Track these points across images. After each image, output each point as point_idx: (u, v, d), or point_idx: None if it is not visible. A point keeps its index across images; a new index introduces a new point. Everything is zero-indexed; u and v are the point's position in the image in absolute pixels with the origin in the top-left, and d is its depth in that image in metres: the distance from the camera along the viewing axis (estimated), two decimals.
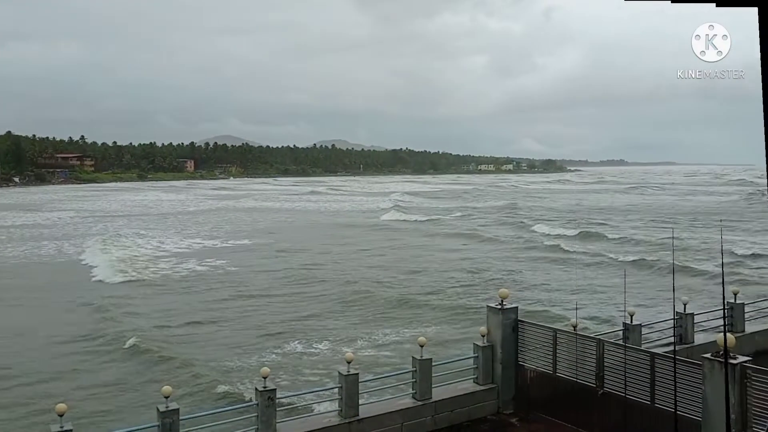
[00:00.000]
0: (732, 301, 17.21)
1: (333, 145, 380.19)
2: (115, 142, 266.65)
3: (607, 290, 32.48)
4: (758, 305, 18.27)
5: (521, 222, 68.45)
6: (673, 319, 16.57)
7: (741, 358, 10.91)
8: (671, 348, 15.41)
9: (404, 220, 74.22)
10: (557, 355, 13.83)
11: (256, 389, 11.74)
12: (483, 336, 14.53)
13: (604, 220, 71.48)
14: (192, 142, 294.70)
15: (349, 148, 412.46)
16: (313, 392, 12.48)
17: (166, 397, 10.67)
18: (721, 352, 11.00)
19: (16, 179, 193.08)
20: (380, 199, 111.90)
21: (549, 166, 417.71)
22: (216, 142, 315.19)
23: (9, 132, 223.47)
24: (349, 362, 12.11)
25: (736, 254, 42.60)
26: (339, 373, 12.19)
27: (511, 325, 14.46)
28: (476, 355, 14.48)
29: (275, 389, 11.68)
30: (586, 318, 25.79)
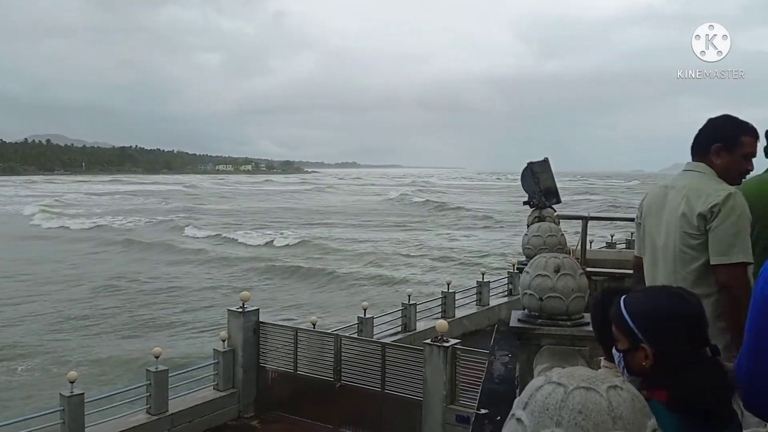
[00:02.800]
0: (446, 290, 19.47)
1: (48, 141, 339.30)
2: None
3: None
4: (465, 293, 20.89)
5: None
6: (400, 309, 18.22)
7: (452, 341, 12.45)
8: (397, 336, 16.95)
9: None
10: (298, 353, 14.26)
11: (60, 394, 11.18)
12: (223, 341, 14.34)
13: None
14: None
15: (69, 143, 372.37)
16: (26, 419, 11.04)
17: (72, 382, 10.80)
18: (438, 337, 12.42)
19: None
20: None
21: (287, 167, 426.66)
22: None
23: None
24: (72, 382, 10.99)
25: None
26: (61, 395, 11.00)
27: (252, 327, 14.51)
28: (216, 360, 14.24)
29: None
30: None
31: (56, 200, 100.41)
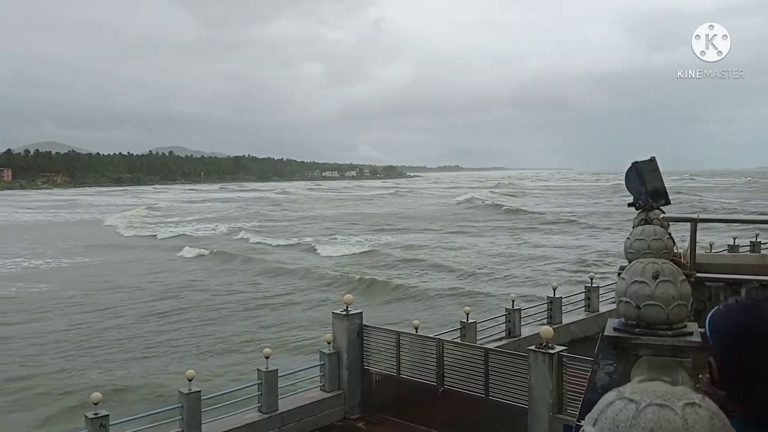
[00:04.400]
0: (551, 296, 18.93)
1: (171, 152, 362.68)
2: None
3: None
4: (571, 299, 20.21)
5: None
6: (504, 315, 17.92)
7: (558, 348, 12.07)
8: (501, 342, 16.68)
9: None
10: (401, 357, 14.37)
11: (179, 391, 11.81)
12: (329, 343, 14.70)
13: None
14: (9, 149, 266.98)
15: (189, 154, 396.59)
16: (148, 415, 11.84)
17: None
18: (543, 344, 12.09)
19: None
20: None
21: (390, 172, 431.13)
22: (37, 149, 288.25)
23: None
24: (190, 380, 11.69)
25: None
26: (179, 392, 11.72)
27: (356, 330, 14.78)
28: (322, 362, 14.62)
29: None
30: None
31: (149, 208, 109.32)
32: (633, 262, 3.40)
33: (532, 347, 12.32)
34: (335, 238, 59.78)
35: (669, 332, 3.18)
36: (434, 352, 13.83)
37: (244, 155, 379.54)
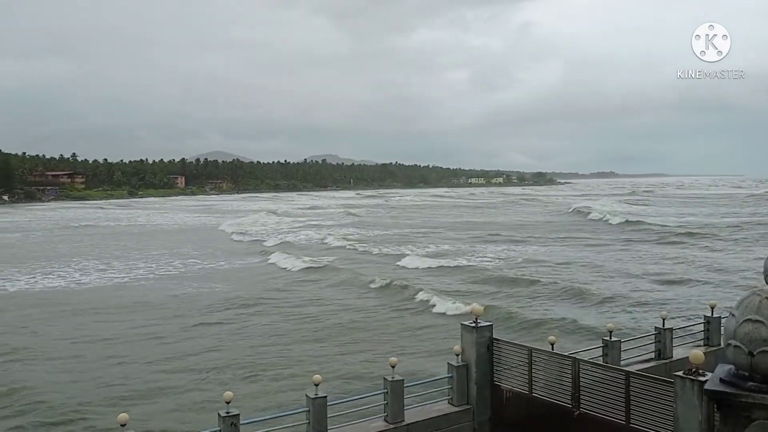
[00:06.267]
0: (709, 314, 17.07)
1: (323, 160, 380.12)
2: (105, 159, 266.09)
3: None
4: None
5: None
6: (653, 334, 16.43)
7: (709, 375, 10.71)
8: (649, 364, 15.26)
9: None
10: (533, 374, 13.58)
11: (306, 396, 12.08)
12: (457, 355, 14.26)
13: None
14: (183, 159, 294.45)
15: (339, 162, 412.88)
16: (276, 417, 12.14)
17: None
18: (692, 369, 10.81)
19: (5, 197, 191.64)
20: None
21: (539, 178, 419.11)
22: (206, 158, 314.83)
23: None
24: (317, 385, 11.82)
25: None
26: (306, 395, 11.90)
27: (486, 343, 14.21)
28: (450, 375, 14.21)
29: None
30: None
31: (271, 212, 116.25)
32: (749, 295, 2.67)
33: (679, 373, 11.06)
34: (428, 247, 59.07)
35: None
36: (569, 371, 12.91)
37: (391, 163, 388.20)
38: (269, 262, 51.60)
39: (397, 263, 48.36)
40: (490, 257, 51.07)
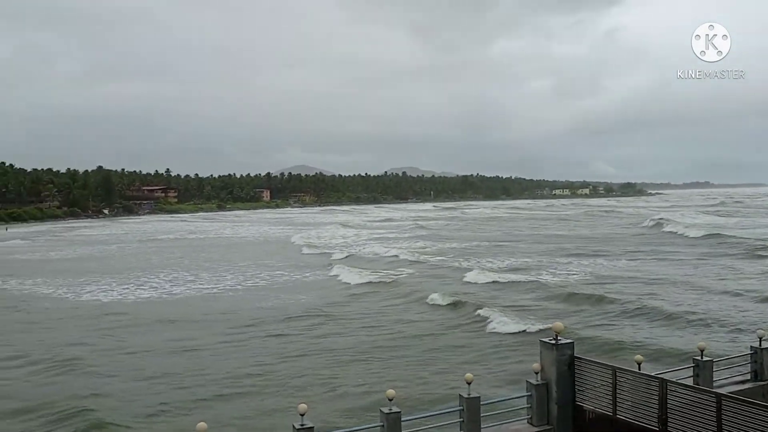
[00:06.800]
0: None
1: (404, 173, 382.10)
2: (196, 174, 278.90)
3: None
4: None
5: None
6: (749, 354, 15.39)
7: None
8: (744, 386, 14.29)
9: None
10: (617, 394, 13.00)
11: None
12: (536, 373, 13.86)
13: None
14: (268, 173, 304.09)
15: (420, 175, 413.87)
16: (433, 415, 12.58)
17: (390, 400, 11.50)
18: None
19: (106, 211, 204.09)
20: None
21: (628, 189, 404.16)
22: (290, 172, 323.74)
23: (100, 167, 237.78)
24: (390, 399, 11.78)
25: None
26: (381, 410, 11.88)
27: (567, 361, 13.72)
28: (529, 393, 13.81)
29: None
30: None
31: (344, 225, 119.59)
32: None
33: None
34: (492, 262, 57.69)
35: None
36: (656, 392, 12.27)
37: (472, 174, 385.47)
38: (333, 275, 51.67)
39: (464, 277, 47.23)
40: (564, 272, 49.18)
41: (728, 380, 14.81)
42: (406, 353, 26.31)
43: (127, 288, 46.98)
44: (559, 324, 14.33)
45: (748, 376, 15.15)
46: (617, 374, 13.10)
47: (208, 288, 46.45)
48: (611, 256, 59.26)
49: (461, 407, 12.76)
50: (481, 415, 12.85)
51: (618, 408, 12.94)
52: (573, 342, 14.02)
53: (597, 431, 13.40)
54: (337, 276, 50.49)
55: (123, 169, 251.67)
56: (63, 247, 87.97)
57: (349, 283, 46.49)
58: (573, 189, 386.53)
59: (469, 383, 12.82)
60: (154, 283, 49.64)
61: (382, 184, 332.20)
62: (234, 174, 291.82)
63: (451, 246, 75.41)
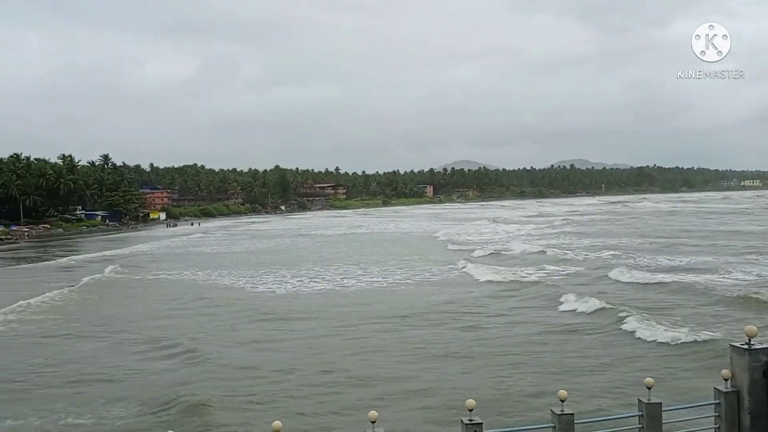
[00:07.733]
0: None
1: (572, 165, 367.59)
2: (363, 171, 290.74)
3: None
4: None
5: None
6: None
7: None
8: None
9: None
10: None
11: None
12: (726, 380, 12.72)
13: None
14: (431, 169, 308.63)
15: (590, 167, 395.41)
16: (519, 429, 12.02)
17: (563, 401, 11.02)
18: None
19: (282, 207, 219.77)
20: None
21: None
22: (453, 168, 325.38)
23: (277, 166, 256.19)
24: (562, 401, 11.45)
25: None
26: (552, 411, 11.60)
27: (762, 368, 12.44)
28: (717, 401, 12.71)
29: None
30: None
31: (493, 220, 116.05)
32: None
33: None
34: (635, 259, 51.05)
35: None
36: None
37: (648, 165, 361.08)
38: (467, 272, 49.04)
39: (609, 275, 43.22)
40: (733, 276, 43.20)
41: None
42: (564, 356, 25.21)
43: (301, 280, 49.91)
44: (752, 327, 13.04)
45: None
46: None
47: (378, 281, 47.90)
48: None
49: (640, 413, 12.10)
50: (663, 422, 12.11)
51: None
52: None
53: None
54: (472, 274, 47.56)
55: (297, 168, 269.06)
56: (243, 241, 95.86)
57: (489, 281, 44.42)
58: (765, 179, 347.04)
59: (649, 388, 12.12)
60: (326, 275, 52.28)
61: (548, 178, 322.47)
62: (398, 171, 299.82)
63: (607, 242, 70.15)
